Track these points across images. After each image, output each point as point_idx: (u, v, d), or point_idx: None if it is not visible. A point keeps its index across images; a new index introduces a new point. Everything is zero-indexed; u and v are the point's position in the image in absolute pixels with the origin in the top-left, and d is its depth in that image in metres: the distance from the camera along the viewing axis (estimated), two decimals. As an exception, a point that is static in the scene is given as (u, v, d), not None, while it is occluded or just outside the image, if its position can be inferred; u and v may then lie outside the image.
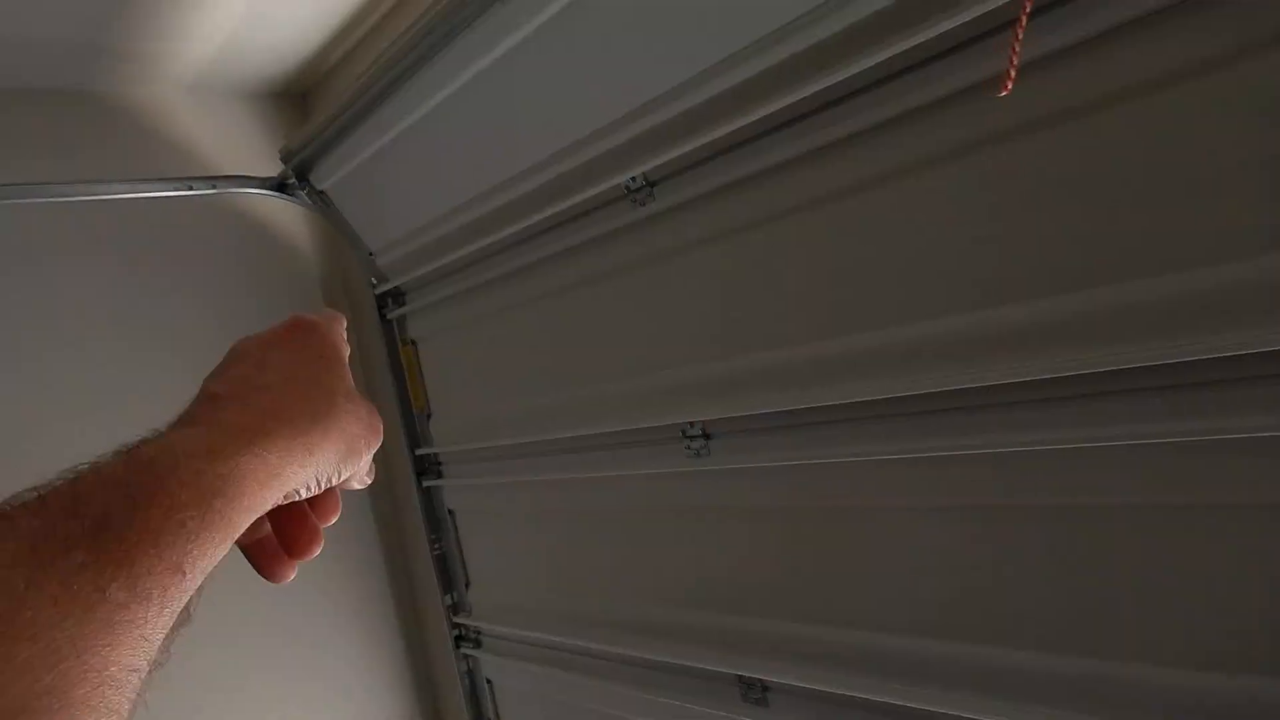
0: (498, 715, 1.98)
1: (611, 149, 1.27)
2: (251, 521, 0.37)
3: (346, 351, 0.51)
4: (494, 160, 1.49)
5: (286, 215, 2.09)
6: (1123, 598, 0.88)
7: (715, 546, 1.33)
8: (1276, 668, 0.78)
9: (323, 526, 0.46)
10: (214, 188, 1.78)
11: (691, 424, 1.28)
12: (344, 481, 0.46)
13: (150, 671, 0.32)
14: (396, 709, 2.16)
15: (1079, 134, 0.84)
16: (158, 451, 0.35)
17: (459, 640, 1.98)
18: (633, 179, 1.26)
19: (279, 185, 1.85)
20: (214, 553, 0.34)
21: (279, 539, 0.45)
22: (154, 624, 0.31)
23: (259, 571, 0.45)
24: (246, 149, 2.04)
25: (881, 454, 1.05)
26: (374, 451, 0.48)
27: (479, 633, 1.95)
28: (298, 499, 0.42)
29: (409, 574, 2.20)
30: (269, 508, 0.38)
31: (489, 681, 1.98)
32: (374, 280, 1.94)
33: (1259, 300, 0.75)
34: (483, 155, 1.50)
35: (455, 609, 1.98)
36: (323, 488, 0.44)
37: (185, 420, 0.40)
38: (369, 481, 0.49)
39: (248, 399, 0.41)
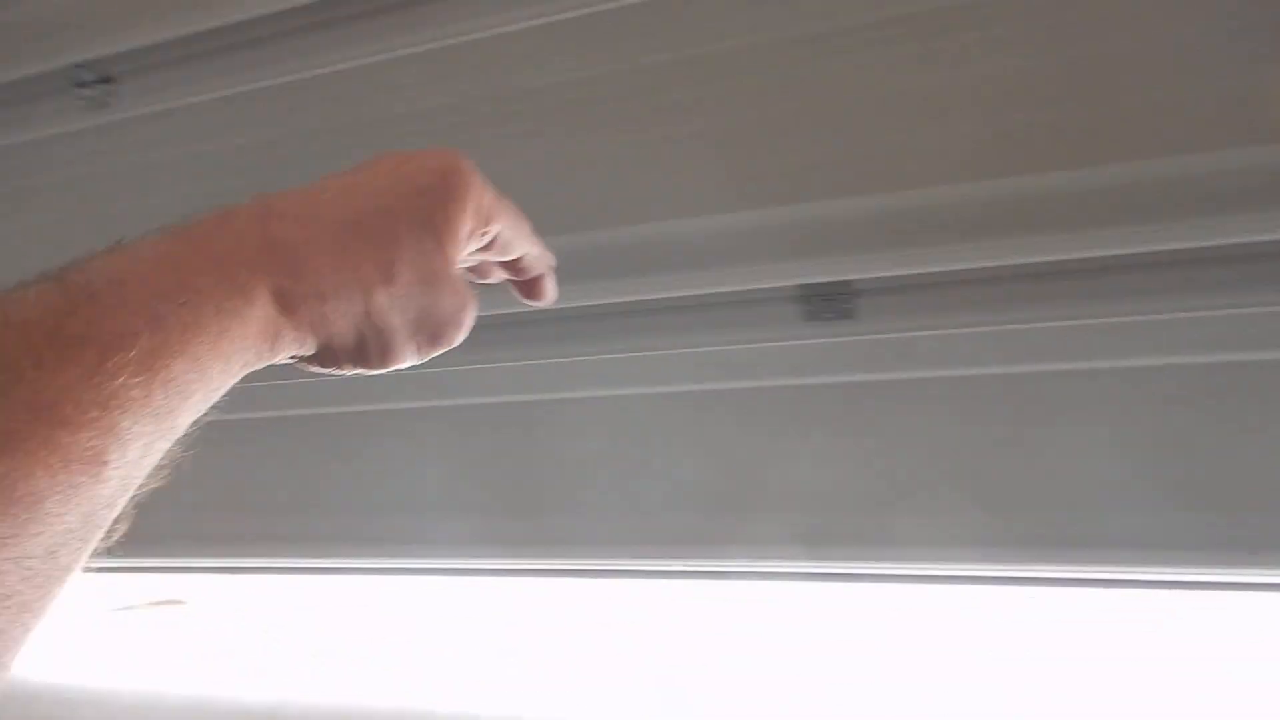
0: None
1: None
2: (220, 396, 0.28)
3: (467, 229, 0.37)
4: None
5: None
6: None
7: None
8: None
9: None
10: None
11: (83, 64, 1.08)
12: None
13: (31, 616, 0.23)
14: None
15: None
16: (104, 276, 0.25)
17: None
18: None
19: None
20: (159, 435, 0.25)
21: None
22: (33, 542, 0.22)
23: None
24: None
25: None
26: (431, 354, 0.38)
27: None
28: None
29: None
30: (241, 375, 0.29)
31: None
32: None
33: None
34: None
35: None
36: (319, 370, 0.34)
37: (171, 232, 0.29)
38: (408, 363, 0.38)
39: (277, 219, 0.31)
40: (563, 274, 0.49)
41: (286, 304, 0.30)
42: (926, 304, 0.84)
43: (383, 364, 0.36)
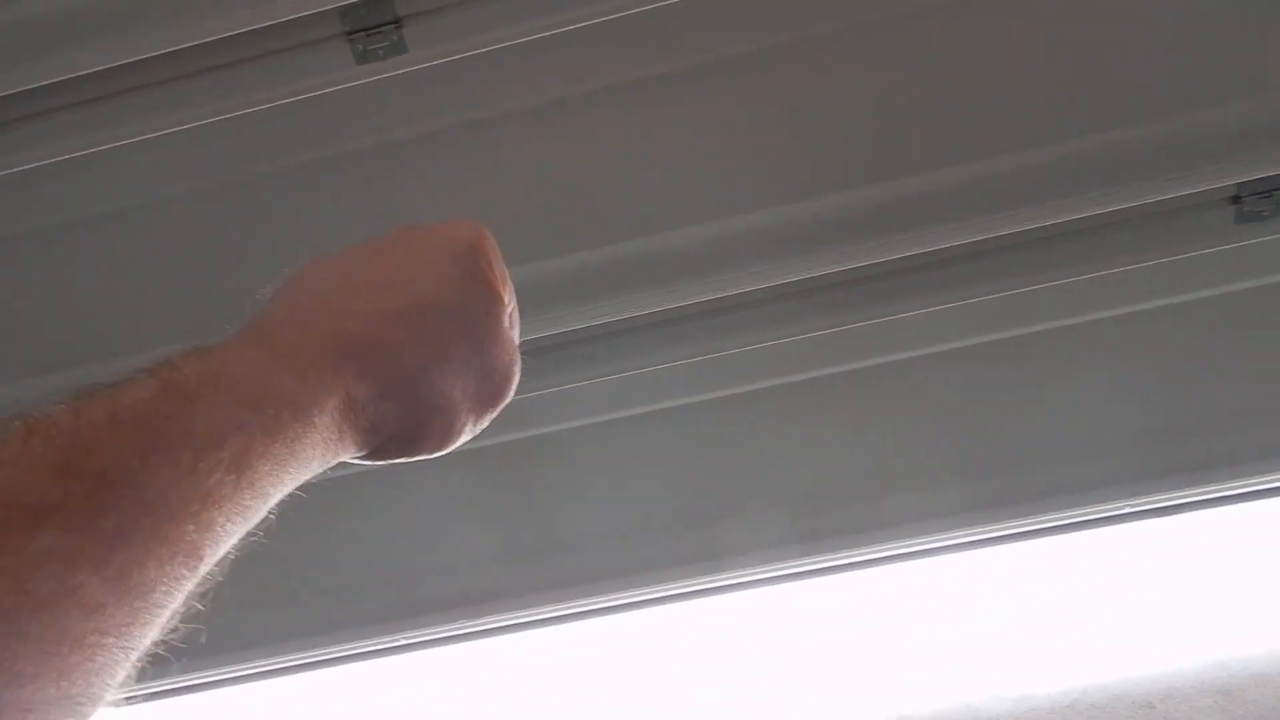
0: None
1: None
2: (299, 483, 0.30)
3: (507, 287, 0.39)
4: None
5: None
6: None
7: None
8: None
9: None
10: None
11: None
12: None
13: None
14: None
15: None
16: (197, 379, 0.27)
17: None
18: None
19: None
20: (245, 526, 0.27)
21: None
22: (141, 632, 0.24)
23: None
24: None
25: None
26: (488, 420, 0.37)
27: None
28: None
29: None
30: (308, 478, 0.30)
31: None
32: None
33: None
34: None
35: None
36: (377, 464, 0.34)
37: (241, 333, 0.31)
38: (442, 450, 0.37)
39: (342, 318, 0.32)
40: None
41: (351, 409, 0.30)
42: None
43: (442, 445, 0.35)
